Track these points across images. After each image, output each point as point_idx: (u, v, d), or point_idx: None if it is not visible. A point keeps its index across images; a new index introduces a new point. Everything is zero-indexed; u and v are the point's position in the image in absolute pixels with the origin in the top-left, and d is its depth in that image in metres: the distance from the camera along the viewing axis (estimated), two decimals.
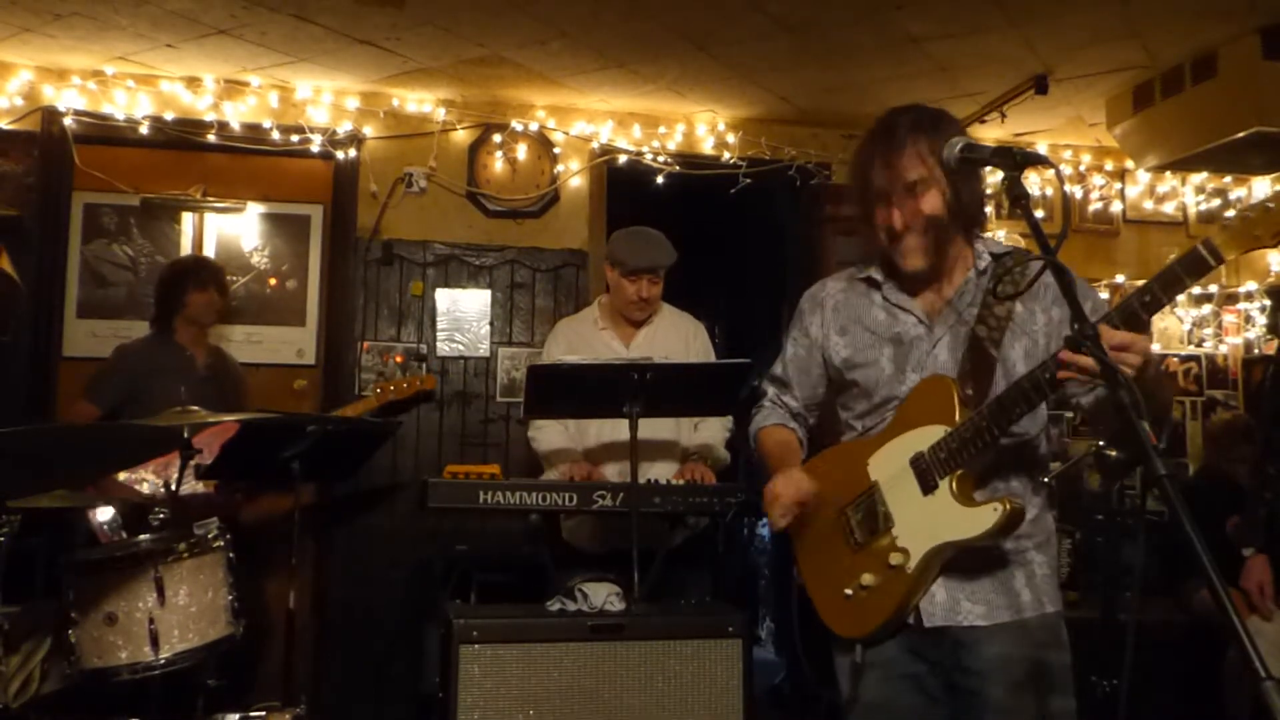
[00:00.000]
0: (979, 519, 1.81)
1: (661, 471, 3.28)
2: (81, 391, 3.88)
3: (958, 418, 1.84)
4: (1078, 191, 5.15)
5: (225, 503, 3.68)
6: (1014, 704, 1.85)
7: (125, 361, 3.90)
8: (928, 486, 1.87)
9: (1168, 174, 5.10)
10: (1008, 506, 1.79)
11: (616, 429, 3.31)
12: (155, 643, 2.69)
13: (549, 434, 3.44)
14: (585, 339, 3.44)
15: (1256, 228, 1.57)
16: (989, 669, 1.88)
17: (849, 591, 1.97)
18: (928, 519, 1.87)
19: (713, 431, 3.47)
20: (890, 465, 1.94)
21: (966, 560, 1.89)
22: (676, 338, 3.46)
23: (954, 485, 1.84)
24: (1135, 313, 1.62)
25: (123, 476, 3.59)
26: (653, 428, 3.23)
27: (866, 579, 1.94)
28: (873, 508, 1.95)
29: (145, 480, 3.62)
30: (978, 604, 1.90)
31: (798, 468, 2.07)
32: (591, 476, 3.21)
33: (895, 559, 1.90)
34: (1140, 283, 1.63)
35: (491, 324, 4.62)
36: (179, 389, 3.71)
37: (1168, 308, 5.14)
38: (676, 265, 3.38)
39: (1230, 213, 5.03)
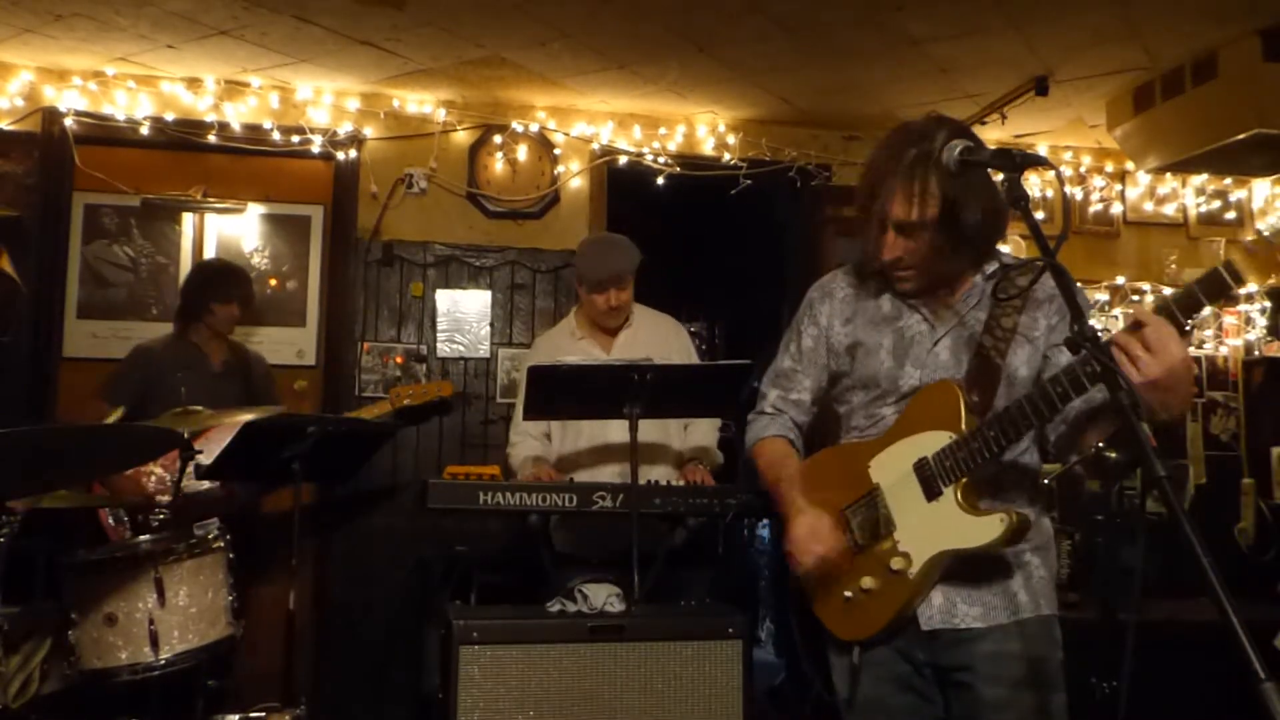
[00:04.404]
0: (985, 529, 1.81)
1: (653, 474, 3.26)
2: (96, 391, 3.85)
3: (964, 426, 1.84)
4: (1078, 193, 5.14)
5: (229, 497, 3.68)
6: (1009, 699, 1.87)
7: (139, 362, 3.89)
8: (932, 493, 1.87)
9: (1168, 176, 5.09)
10: (1014, 518, 1.79)
11: (605, 431, 3.31)
12: (155, 643, 2.69)
13: (528, 443, 3.41)
14: (565, 351, 3.39)
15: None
16: (984, 667, 1.89)
17: (849, 594, 1.97)
18: (931, 525, 1.87)
19: (705, 434, 3.47)
20: (893, 469, 1.93)
21: (964, 565, 1.90)
22: (657, 337, 3.44)
23: (959, 494, 1.84)
24: None
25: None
26: (641, 430, 3.22)
27: (867, 582, 1.94)
28: (874, 511, 1.95)
29: (153, 473, 3.61)
30: (974, 606, 1.91)
31: (820, 514, 2.00)
32: (547, 478, 3.19)
33: (897, 564, 1.90)
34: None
35: (492, 325, 4.62)
36: (189, 387, 3.70)
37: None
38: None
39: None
